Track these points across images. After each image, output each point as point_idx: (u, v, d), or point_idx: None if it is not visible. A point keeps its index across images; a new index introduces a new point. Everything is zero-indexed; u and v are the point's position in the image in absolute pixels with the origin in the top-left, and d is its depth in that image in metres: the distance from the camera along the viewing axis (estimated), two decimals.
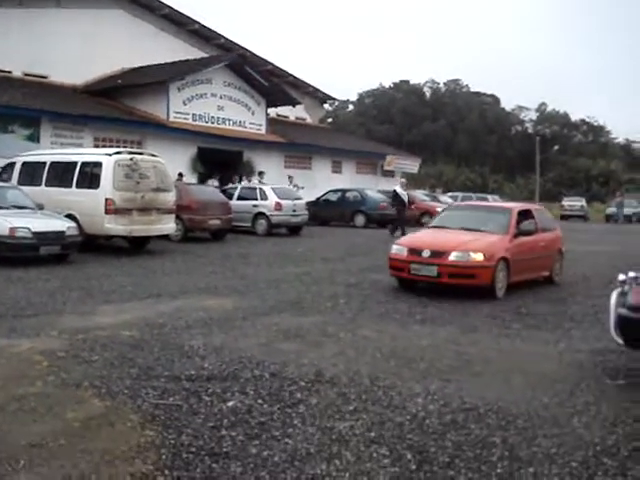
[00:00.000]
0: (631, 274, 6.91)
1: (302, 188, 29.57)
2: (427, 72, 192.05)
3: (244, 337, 8.16)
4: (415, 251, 11.79)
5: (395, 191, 25.40)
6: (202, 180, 28.73)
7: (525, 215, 13.20)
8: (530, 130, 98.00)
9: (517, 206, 13.80)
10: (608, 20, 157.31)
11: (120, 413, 5.47)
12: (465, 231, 12.52)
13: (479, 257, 11.37)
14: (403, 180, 27.36)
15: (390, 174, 41.06)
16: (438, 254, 11.46)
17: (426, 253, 11.56)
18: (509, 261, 11.71)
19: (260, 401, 5.82)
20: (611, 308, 6.93)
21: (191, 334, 8.20)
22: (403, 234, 23.36)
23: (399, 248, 12.18)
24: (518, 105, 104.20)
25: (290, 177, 30.43)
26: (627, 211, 46.95)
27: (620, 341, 6.78)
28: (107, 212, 16.05)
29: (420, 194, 36.00)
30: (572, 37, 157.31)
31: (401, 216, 24.62)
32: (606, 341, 7.75)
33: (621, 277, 6.98)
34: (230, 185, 26.74)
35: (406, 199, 25.17)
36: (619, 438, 5.19)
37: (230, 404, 5.73)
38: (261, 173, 29.25)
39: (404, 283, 12.25)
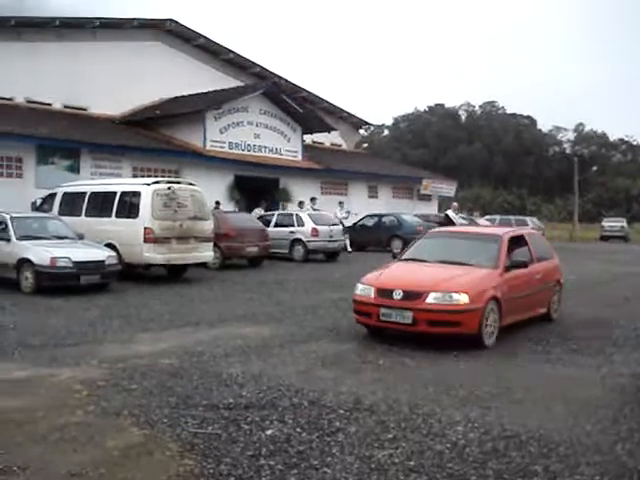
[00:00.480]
0: None
1: (356, 214, 29.79)
2: (463, 95, 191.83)
3: (282, 365, 8.16)
4: (384, 292, 9.59)
5: (447, 215, 24.78)
6: (248, 208, 28.85)
7: (517, 242, 11.22)
8: (568, 151, 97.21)
9: (508, 232, 11.41)
10: None
11: (159, 442, 5.49)
12: (445, 265, 10.35)
13: (464, 298, 9.17)
14: (455, 204, 26.53)
15: (427, 198, 40.97)
16: (413, 296, 9.29)
17: (398, 294, 9.39)
18: (500, 301, 9.64)
19: (299, 429, 5.80)
20: None
21: (229, 362, 8.22)
22: None
23: (365, 288, 9.94)
24: (555, 126, 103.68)
25: (341, 202, 30.56)
26: None
27: None
28: (146, 241, 16.21)
29: (457, 217, 35.79)
30: (606, 56, 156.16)
31: None
32: None
33: None
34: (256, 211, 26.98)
35: (459, 223, 24.34)
36: None
37: (269, 432, 5.72)
38: (313, 199, 29.34)
39: (373, 331, 10.15)
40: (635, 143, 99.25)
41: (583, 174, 57.28)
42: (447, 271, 10.05)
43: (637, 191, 72.16)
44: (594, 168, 69.93)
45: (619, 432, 5.81)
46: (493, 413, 6.32)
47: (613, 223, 50.07)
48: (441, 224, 24.77)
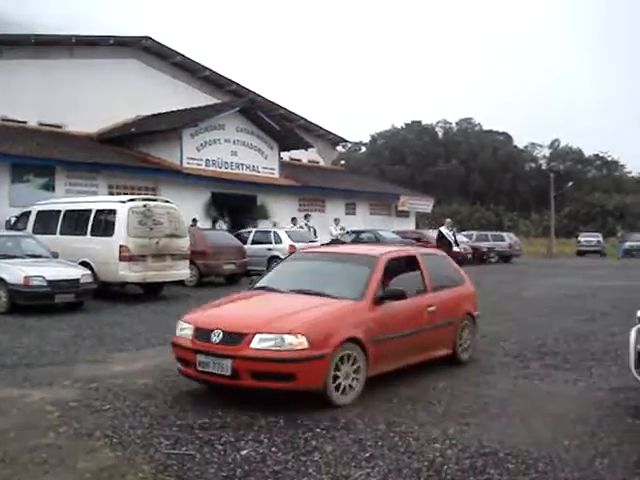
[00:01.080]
0: None
1: (343, 229, 29.95)
2: (439, 112, 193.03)
3: None
4: (203, 333, 7.26)
5: (440, 232, 24.45)
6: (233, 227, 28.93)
7: (404, 266, 9.02)
8: (544, 167, 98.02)
9: (389, 253, 8.88)
10: (618, 53, 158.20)
11: (132, 463, 5.38)
12: (300, 296, 8.03)
13: (300, 342, 6.80)
14: (449, 220, 25.98)
15: (404, 214, 41.11)
16: (234, 338, 6.97)
17: (217, 336, 7.06)
18: (364, 344, 7.34)
19: (274, 449, 5.71)
20: (631, 345, 6.80)
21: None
22: None
23: (185, 327, 7.57)
24: (531, 142, 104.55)
25: (336, 219, 30.63)
26: None
27: None
28: (121, 259, 16.07)
29: (434, 233, 35.94)
30: (581, 73, 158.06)
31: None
32: (627, 379, 7.58)
33: None
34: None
35: (452, 240, 24.29)
36: None
37: (244, 453, 5.62)
38: (307, 216, 29.36)
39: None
40: (610, 159, 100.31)
41: (559, 189, 57.66)
42: (293, 304, 7.76)
43: (612, 206, 72.77)
44: (570, 183, 70.42)
45: (597, 447, 5.77)
46: (471, 429, 6.27)
47: (589, 238, 50.44)
48: (437, 242, 24.48)
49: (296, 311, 7.43)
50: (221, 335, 7.03)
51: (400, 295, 8.09)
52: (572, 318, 13.85)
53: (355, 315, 7.60)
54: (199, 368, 7.13)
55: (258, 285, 8.83)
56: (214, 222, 29.37)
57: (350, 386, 7.19)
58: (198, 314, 7.91)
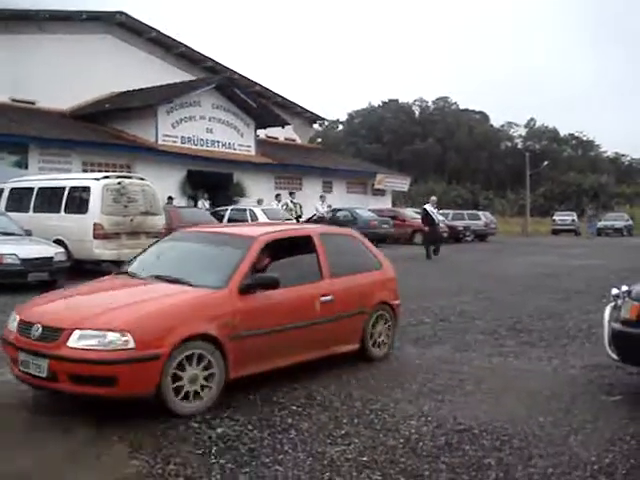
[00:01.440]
0: (624, 288, 6.83)
1: (330, 206, 29.78)
2: (416, 90, 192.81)
3: None
4: (25, 326, 6.27)
5: (425, 209, 24.52)
6: (194, 203, 28.78)
7: (294, 248, 7.81)
8: (520, 146, 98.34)
9: (272, 233, 7.66)
10: (596, 33, 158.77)
11: (107, 442, 5.34)
12: (156, 283, 6.96)
13: (124, 341, 5.77)
14: (434, 198, 25.99)
15: (381, 193, 41.15)
16: (51, 334, 5.97)
17: (36, 331, 6.09)
18: (221, 341, 6.23)
19: (250, 427, 5.70)
20: (605, 323, 6.85)
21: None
22: (435, 253, 23.37)
23: (14, 319, 6.54)
24: (507, 121, 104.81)
25: (322, 196, 30.50)
26: (618, 224, 47.29)
27: (615, 356, 6.68)
28: (96, 237, 15.93)
29: (411, 212, 36.02)
30: (558, 52, 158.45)
31: (433, 236, 24.05)
32: (601, 356, 7.64)
33: (614, 291, 6.90)
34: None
35: (437, 218, 24.35)
36: (617, 456, 5.09)
37: (219, 430, 5.61)
38: (292, 194, 29.28)
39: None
40: (585, 138, 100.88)
41: (534, 169, 57.85)
42: (135, 294, 6.76)
43: (587, 185, 73.22)
44: (545, 163, 70.60)
45: (572, 424, 5.82)
46: (446, 406, 6.30)
47: (564, 217, 50.78)
48: (422, 219, 24.99)
49: (130, 303, 6.37)
50: (40, 330, 6.04)
51: (271, 283, 6.82)
52: (547, 296, 13.94)
53: (211, 307, 6.45)
54: (21, 368, 6.16)
55: (124, 268, 7.79)
56: (194, 201, 29.22)
57: (197, 392, 6.04)
58: (30, 304, 6.87)
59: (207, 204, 28.21)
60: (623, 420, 5.93)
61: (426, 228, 24.38)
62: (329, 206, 29.78)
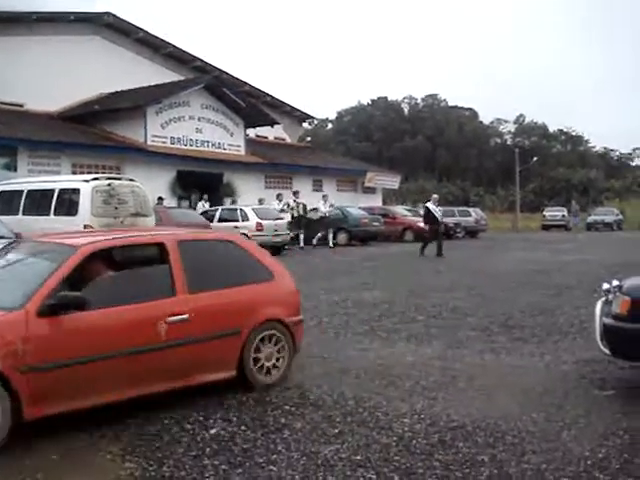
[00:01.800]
0: (615, 282, 6.84)
1: (332, 205, 29.74)
2: (404, 88, 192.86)
3: None
4: None
5: (427, 207, 24.06)
6: (189, 204, 28.78)
7: (136, 259, 6.77)
8: (509, 142, 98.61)
9: (101, 241, 6.38)
10: (583, 30, 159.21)
11: (100, 445, 5.33)
12: None
13: None
14: (435, 196, 25.38)
15: (371, 191, 41.16)
16: None
17: None
18: (7, 375, 5.12)
19: (243, 427, 5.69)
20: (596, 318, 6.86)
21: None
22: (439, 253, 22.69)
23: None
24: (496, 118, 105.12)
25: (325, 196, 30.42)
26: (607, 219, 47.48)
27: (606, 351, 6.70)
28: None
29: (401, 209, 36.09)
30: (547, 48, 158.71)
31: (434, 234, 23.31)
32: (593, 351, 7.66)
33: (605, 286, 6.91)
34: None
35: (439, 216, 23.77)
36: (610, 451, 5.10)
37: (212, 431, 5.60)
38: (296, 193, 29.18)
39: None
40: (574, 134, 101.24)
41: (524, 165, 58.06)
42: None
43: (577, 181, 73.48)
44: (535, 159, 70.88)
45: (564, 419, 5.83)
46: (439, 404, 6.30)
47: (554, 212, 50.93)
48: (424, 217, 24.48)
49: None
50: None
51: (76, 302, 5.59)
52: (538, 292, 13.96)
53: None
54: None
55: None
56: (189, 201, 29.24)
57: None
58: None
59: (207, 205, 28.13)
60: (616, 415, 5.94)
61: (427, 226, 24.04)
62: (331, 205, 29.70)
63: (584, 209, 53.49)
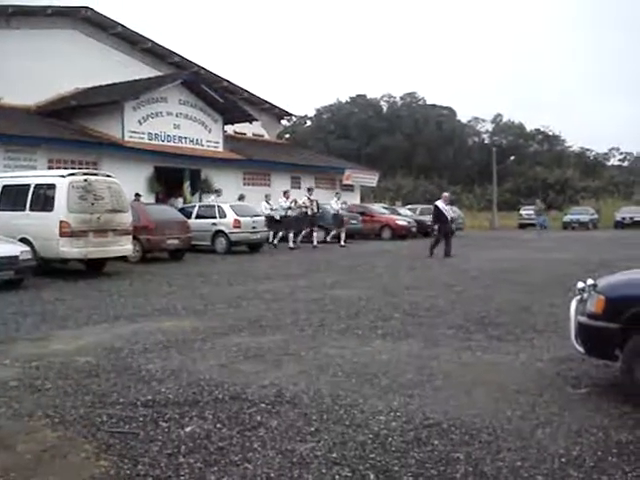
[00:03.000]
0: (590, 281, 6.90)
1: (345, 203, 29.62)
2: (383, 86, 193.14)
3: (203, 359, 7.99)
4: None
5: (436, 206, 23.16)
6: (164, 200, 28.65)
7: None
8: (487, 141, 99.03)
9: None
10: (559, 27, 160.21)
11: (74, 443, 5.28)
12: None
13: None
14: (446, 194, 24.30)
15: (349, 188, 41.18)
16: None
17: None
18: None
19: (219, 425, 5.67)
20: (571, 316, 6.91)
21: (148, 358, 8.01)
22: (447, 253, 22.11)
23: None
24: (474, 116, 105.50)
25: (337, 193, 30.27)
26: (583, 218, 47.88)
27: (581, 349, 6.75)
28: (62, 235, 15.78)
29: (379, 207, 36.15)
30: (524, 47, 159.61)
31: (444, 233, 22.63)
32: (568, 349, 7.71)
33: (580, 285, 6.96)
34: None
35: (449, 215, 23.03)
36: (584, 448, 5.13)
37: (188, 429, 5.57)
38: (310, 190, 29.20)
39: None
40: (551, 133, 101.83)
41: (501, 164, 58.54)
42: None
43: (553, 180, 73.91)
44: (512, 158, 71.23)
45: (539, 417, 5.86)
46: (415, 401, 6.31)
47: (531, 211, 51.27)
48: (433, 217, 23.64)
49: None
50: None
51: None
52: (514, 290, 14.06)
53: None
54: None
55: None
56: (162, 198, 29.11)
57: None
58: None
59: (180, 201, 28.07)
60: (590, 412, 5.98)
61: (436, 225, 23.28)
62: (344, 203, 29.58)
63: (560, 208, 53.74)
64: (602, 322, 6.39)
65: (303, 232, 27.57)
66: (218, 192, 28.70)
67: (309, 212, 27.20)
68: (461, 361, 7.97)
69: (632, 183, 79.03)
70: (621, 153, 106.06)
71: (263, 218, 25.42)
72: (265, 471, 4.74)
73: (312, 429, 5.57)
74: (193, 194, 30.03)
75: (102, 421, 5.74)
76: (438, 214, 22.86)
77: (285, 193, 28.53)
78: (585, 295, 6.82)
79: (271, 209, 27.14)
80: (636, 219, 47.93)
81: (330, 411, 6.03)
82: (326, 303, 12.36)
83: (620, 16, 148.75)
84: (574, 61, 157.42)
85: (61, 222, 15.80)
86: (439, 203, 23.00)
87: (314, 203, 27.74)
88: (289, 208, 27.06)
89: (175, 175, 29.91)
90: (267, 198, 27.94)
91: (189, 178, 30.01)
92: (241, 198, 28.10)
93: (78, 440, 5.34)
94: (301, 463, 4.88)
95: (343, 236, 28.24)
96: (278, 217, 26.68)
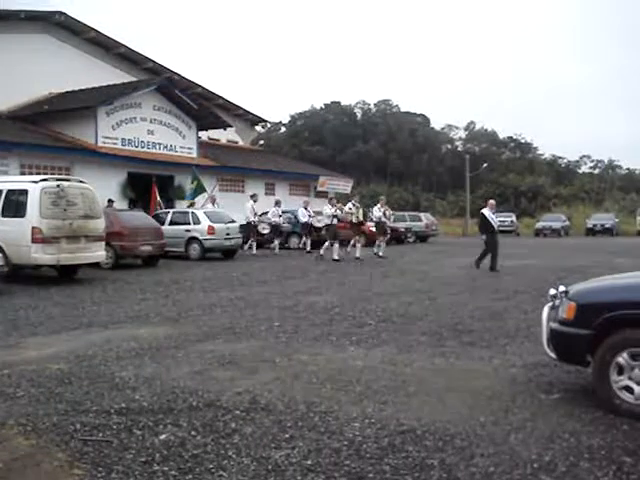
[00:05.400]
0: (561, 288, 6.97)
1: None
2: (358, 93, 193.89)
3: (177, 366, 7.96)
4: None
5: (483, 214, 20.77)
6: (138, 206, 28.53)
7: None
8: (460, 148, 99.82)
9: None
10: (533, 36, 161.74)
11: (47, 452, 5.23)
12: None
13: None
14: (492, 201, 21.60)
15: (323, 195, 41.23)
16: None
17: None
18: None
19: (193, 432, 5.65)
20: (543, 322, 6.98)
21: (122, 365, 7.96)
22: (493, 267, 19.72)
23: None
24: (447, 124, 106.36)
25: (331, 199, 30.08)
26: (555, 225, 48.33)
27: (553, 355, 6.81)
28: (34, 241, 15.64)
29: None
30: (498, 56, 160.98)
31: (493, 244, 20.22)
32: (540, 355, 7.78)
33: (552, 291, 7.03)
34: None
35: (496, 224, 20.74)
36: (556, 454, 5.17)
37: (162, 437, 5.54)
38: (354, 196, 28.67)
39: None
40: (523, 141, 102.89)
41: (474, 171, 58.75)
42: None
43: (525, 187, 74.59)
44: (484, 165, 71.68)
45: (512, 422, 5.90)
46: (389, 408, 6.33)
47: (503, 218, 51.58)
48: (480, 226, 21.61)
49: None
50: None
51: None
52: (487, 297, 14.15)
53: None
54: None
55: None
56: (132, 203, 28.92)
57: None
58: None
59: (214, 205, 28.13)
60: (562, 418, 6.04)
61: (484, 236, 20.59)
62: (340, 209, 29.30)
63: (532, 215, 54.15)
64: (574, 328, 6.46)
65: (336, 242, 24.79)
66: (254, 197, 28.03)
67: (354, 219, 25.40)
68: (435, 367, 8.01)
69: (603, 190, 80.00)
70: (592, 161, 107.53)
71: (237, 225, 25.27)
72: (240, 478, 4.73)
73: (287, 436, 5.57)
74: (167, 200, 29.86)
75: (75, 429, 5.70)
76: (485, 223, 20.64)
77: (331, 200, 27.56)
78: (557, 301, 6.89)
79: (309, 216, 27.30)
80: (606, 226, 48.56)
81: (305, 418, 6.03)
82: (300, 310, 12.34)
83: (602, 22, 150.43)
84: (547, 69, 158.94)
85: (33, 228, 15.66)
86: (485, 211, 20.61)
87: (360, 210, 25.88)
88: (335, 216, 25.24)
89: (148, 181, 29.75)
90: (278, 204, 28.00)
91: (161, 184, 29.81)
92: (306, 204, 28.81)
93: (51, 448, 5.30)
94: (276, 470, 4.88)
95: (383, 245, 26.09)
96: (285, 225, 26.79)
